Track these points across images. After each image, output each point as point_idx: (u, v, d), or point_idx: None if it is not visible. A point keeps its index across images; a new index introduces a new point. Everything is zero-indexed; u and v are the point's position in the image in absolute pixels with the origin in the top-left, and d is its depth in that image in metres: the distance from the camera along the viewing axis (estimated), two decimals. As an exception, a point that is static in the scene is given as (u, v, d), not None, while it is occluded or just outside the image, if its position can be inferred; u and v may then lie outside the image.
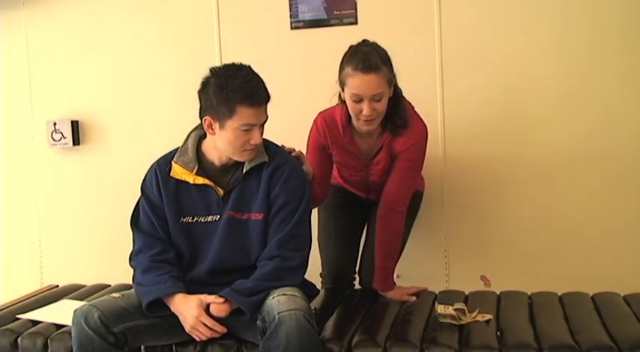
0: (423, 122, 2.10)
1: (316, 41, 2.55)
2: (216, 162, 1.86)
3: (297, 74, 2.60)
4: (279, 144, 1.95)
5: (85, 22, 2.79)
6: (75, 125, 2.81)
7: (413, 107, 2.12)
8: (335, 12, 2.55)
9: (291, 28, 2.59)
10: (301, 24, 2.58)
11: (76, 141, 2.81)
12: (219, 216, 1.84)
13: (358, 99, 1.95)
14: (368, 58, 1.92)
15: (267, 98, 1.81)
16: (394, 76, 2.00)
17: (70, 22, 2.81)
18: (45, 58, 2.85)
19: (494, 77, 2.44)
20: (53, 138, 2.82)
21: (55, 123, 2.81)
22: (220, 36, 2.65)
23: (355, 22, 2.52)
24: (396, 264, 2.17)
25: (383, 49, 2.00)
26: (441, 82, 2.48)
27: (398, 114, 2.03)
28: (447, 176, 2.50)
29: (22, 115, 2.89)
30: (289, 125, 2.44)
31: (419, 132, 2.07)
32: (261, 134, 1.81)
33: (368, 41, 2.01)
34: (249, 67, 1.81)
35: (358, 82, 1.92)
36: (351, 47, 1.99)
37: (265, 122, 1.82)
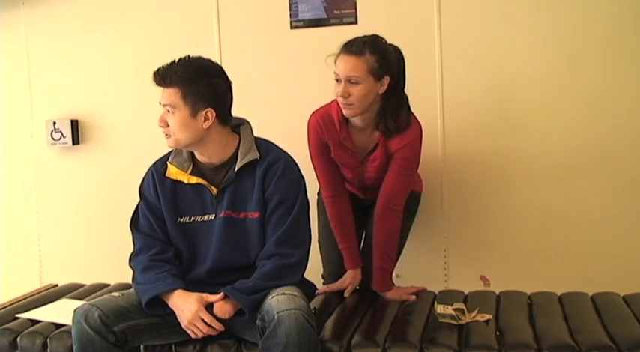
0: (417, 121, 2.10)
1: (316, 41, 2.55)
2: (210, 161, 1.86)
3: (297, 73, 2.60)
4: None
5: (85, 21, 2.79)
6: (75, 124, 2.81)
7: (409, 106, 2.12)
8: (335, 11, 2.55)
9: (291, 28, 2.59)
10: (301, 23, 2.58)
11: (76, 140, 2.81)
12: (214, 215, 1.84)
13: (337, 79, 1.99)
14: (354, 42, 1.98)
15: (164, 78, 1.77)
16: (388, 73, 1.99)
17: (69, 21, 2.81)
18: (45, 57, 2.85)
19: (494, 76, 2.44)
20: (53, 138, 2.82)
21: (54, 123, 2.81)
22: (220, 35, 2.65)
23: (355, 22, 2.52)
24: (394, 265, 2.17)
25: (386, 46, 2.02)
26: (441, 82, 2.48)
27: (393, 116, 2.03)
28: (446, 176, 2.50)
29: (21, 114, 2.89)
30: (288, 124, 2.45)
31: (413, 132, 2.07)
32: (169, 120, 1.78)
33: (376, 35, 2.02)
34: (190, 56, 1.80)
35: (338, 62, 1.99)
36: None
37: (171, 108, 1.77)
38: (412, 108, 2.11)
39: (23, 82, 2.87)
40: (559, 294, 2.09)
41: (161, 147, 1.91)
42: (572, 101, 2.39)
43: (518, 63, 2.42)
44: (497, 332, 1.80)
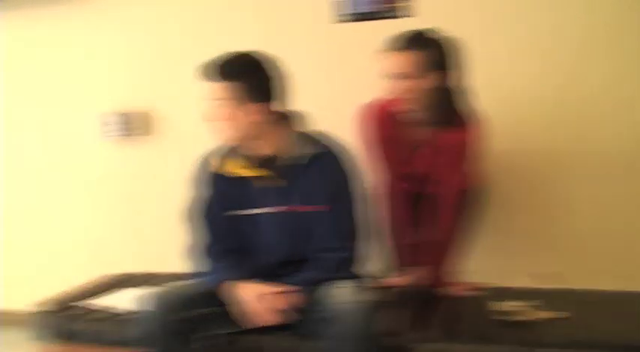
0: (475, 116, 2.06)
1: (365, 34, 2.50)
2: (265, 154, 1.86)
3: (347, 67, 2.56)
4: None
5: (144, 13, 2.81)
6: (127, 118, 2.85)
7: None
8: (386, 5, 2.51)
9: (339, 21, 2.54)
10: (350, 17, 2.54)
11: (127, 132, 2.85)
12: (272, 209, 1.86)
13: (387, 75, 1.99)
14: (403, 37, 1.97)
15: (217, 73, 1.78)
16: (438, 67, 1.97)
17: (130, 15, 2.83)
18: (99, 49, 2.89)
19: (532, 71, 2.36)
20: (105, 130, 2.87)
21: (106, 115, 2.86)
22: (265, 29, 2.63)
23: (408, 15, 2.46)
24: (449, 261, 2.15)
25: (437, 39, 1.98)
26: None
27: (446, 107, 2.01)
28: (501, 170, 2.45)
29: (74, 107, 2.95)
30: (340, 118, 2.43)
31: (468, 127, 2.04)
32: (224, 114, 1.79)
33: (427, 29, 2.00)
34: (242, 51, 1.81)
35: (388, 58, 1.99)
36: None
37: (225, 102, 1.78)
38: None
39: (78, 73, 2.91)
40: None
41: (212, 141, 1.91)
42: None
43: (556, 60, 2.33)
44: (567, 331, 1.76)
